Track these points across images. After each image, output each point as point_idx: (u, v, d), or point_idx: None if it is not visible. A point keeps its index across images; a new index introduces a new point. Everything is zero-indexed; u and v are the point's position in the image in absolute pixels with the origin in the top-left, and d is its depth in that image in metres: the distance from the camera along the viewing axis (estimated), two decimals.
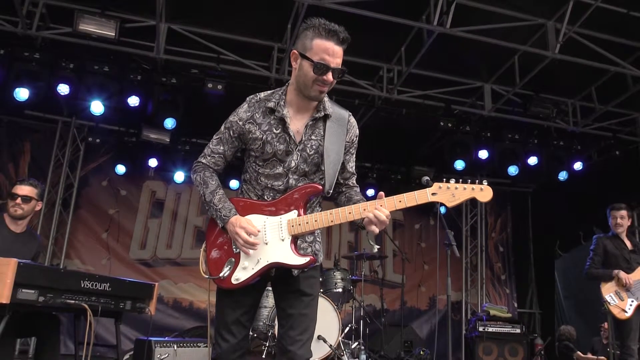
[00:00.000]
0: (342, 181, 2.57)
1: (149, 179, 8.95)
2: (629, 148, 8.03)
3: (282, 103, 2.42)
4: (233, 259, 2.37)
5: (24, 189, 3.77)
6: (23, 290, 2.94)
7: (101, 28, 6.02)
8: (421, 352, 7.34)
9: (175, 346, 4.93)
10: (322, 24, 2.32)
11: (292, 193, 2.38)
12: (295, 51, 2.37)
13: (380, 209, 2.30)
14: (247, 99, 2.53)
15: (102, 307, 3.37)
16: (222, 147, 2.56)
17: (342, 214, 2.34)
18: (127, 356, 5.34)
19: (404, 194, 2.41)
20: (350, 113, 2.58)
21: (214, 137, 2.59)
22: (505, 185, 10.37)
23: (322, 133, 2.42)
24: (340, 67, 2.33)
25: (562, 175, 8.09)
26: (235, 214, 2.37)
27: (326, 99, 2.50)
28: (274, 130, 2.40)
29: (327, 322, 5.96)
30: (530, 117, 7.54)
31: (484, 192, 2.45)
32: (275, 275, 2.42)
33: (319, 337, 5.88)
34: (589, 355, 7.96)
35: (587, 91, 7.48)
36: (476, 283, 9.82)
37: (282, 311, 2.46)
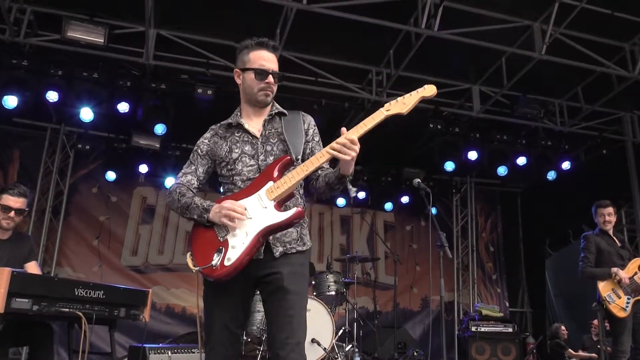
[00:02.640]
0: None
1: (139, 185, 8.91)
2: (616, 147, 8.13)
3: (238, 116, 2.69)
4: (222, 247, 2.33)
5: (17, 202, 3.70)
6: (17, 299, 2.94)
7: (90, 34, 5.99)
8: (415, 353, 7.37)
9: (169, 352, 4.91)
10: (253, 40, 2.64)
11: (262, 173, 2.48)
12: (237, 70, 2.68)
13: (341, 137, 2.39)
14: (210, 128, 2.76)
15: (96, 314, 3.35)
16: (193, 166, 2.66)
17: (313, 160, 2.40)
18: None
19: (363, 120, 2.54)
20: (304, 115, 2.75)
21: (185, 165, 2.71)
22: (495, 185, 10.46)
23: (280, 125, 2.62)
24: (275, 69, 2.59)
25: (551, 175, 8.17)
26: (216, 204, 2.43)
27: (277, 105, 2.72)
28: (236, 135, 2.62)
29: (321, 325, 5.98)
30: (518, 117, 7.62)
31: (428, 90, 2.69)
32: (261, 274, 2.41)
33: (313, 341, 5.89)
34: (580, 353, 8.06)
35: (573, 91, 7.56)
36: (468, 283, 9.88)
37: (268, 313, 2.45)
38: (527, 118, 7.63)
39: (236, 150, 2.57)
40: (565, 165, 8.13)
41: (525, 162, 7.99)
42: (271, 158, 2.52)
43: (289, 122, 2.63)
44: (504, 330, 7.96)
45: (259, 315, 6.47)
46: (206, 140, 2.68)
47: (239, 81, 2.68)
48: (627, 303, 4.99)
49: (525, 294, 10.11)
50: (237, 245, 2.30)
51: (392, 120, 8.13)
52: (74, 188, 8.53)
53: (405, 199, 9.57)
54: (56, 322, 5.84)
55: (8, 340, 3.50)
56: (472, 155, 7.85)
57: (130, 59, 6.59)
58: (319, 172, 2.57)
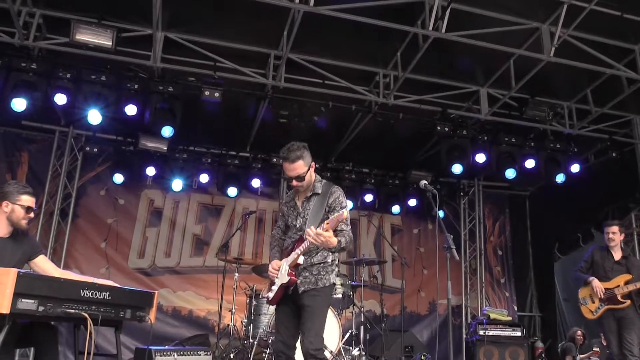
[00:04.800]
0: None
1: (147, 188, 8.94)
2: (625, 150, 8.05)
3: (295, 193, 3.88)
4: (272, 287, 3.73)
5: (34, 202, 3.75)
6: (23, 300, 2.93)
7: (98, 38, 6.02)
8: (422, 357, 7.32)
9: (175, 354, 4.92)
10: (282, 151, 3.68)
11: (297, 242, 3.68)
12: None
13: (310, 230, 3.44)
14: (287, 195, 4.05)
15: (102, 316, 3.35)
16: (278, 224, 4.02)
17: (298, 251, 3.62)
18: None
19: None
20: (334, 186, 3.81)
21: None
22: (503, 188, 10.40)
23: (311, 204, 3.74)
24: (295, 174, 3.63)
25: (560, 178, 8.08)
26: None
27: (319, 183, 3.82)
28: (292, 208, 3.87)
29: (328, 328, 5.92)
30: (526, 120, 7.57)
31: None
32: (293, 296, 3.65)
33: None
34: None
35: (582, 94, 7.50)
36: (476, 287, 9.81)
37: (300, 325, 3.62)
38: (535, 120, 7.58)
39: (290, 219, 3.84)
40: (574, 168, 8.06)
41: (533, 165, 7.92)
42: (302, 229, 3.63)
43: (318, 201, 3.71)
44: (512, 334, 7.90)
45: (265, 318, 6.46)
46: (283, 206, 3.97)
47: None
48: (598, 309, 5.66)
49: (533, 297, 10.04)
50: (274, 290, 3.70)
51: (399, 124, 8.14)
52: (81, 191, 8.57)
53: (412, 202, 9.53)
54: (62, 324, 5.86)
55: (13, 342, 3.49)
56: (480, 158, 7.80)
57: (138, 62, 6.62)
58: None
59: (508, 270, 10.19)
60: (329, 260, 3.72)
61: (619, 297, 5.49)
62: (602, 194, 8.67)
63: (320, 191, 3.72)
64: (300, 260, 3.58)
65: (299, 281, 3.61)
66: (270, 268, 3.73)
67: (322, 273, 3.68)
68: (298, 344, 3.66)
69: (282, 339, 3.64)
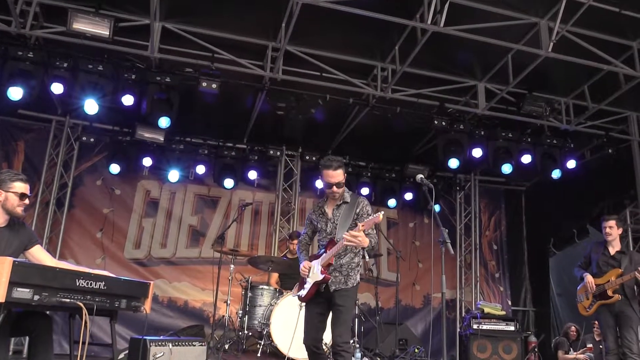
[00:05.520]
0: None
1: (143, 178, 8.93)
2: (621, 146, 8.08)
3: (324, 201, 4.29)
4: (304, 285, 4.15)
5: (28, 188, 3.72)
6: (18, 289, 2.92)
7: (95, 27, 6.00)
8: (416, 350, 7.37)
9: (170, 345, 4.91)
10: (325, 159, 4.15)
11: (327, 245, 4.10)
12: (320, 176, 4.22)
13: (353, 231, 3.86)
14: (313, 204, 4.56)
15: (97, 305, 3.34)
16: (306, 230, 4.43)
17: (333, 250, 4.00)
18: (122, 355, 5.32)
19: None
20: (360, 197, 4.24)
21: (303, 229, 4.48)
22: (499, 183, 10.43)
23: (341, 212, 4.15)
24: (337, 181, 4.08)
25: (556, 174, 8.10)
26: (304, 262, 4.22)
27: (347, 193, 4.20)
28: (321, 216, 4.25)
29: None
30: (523, 115, 7.58)
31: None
32: (324, 294, 4.04)
33: None
34: (563, 355, 8.07)
35: (580, 89, 7.51)
36: (470, 281, 9.85)
37: (332, 321, 4.04)
38: (532, 116, 7.59)
39: (320, 225, 4.23)
40: (571, 164, 8.08)
41: (530, 160, 7.95)
42: (333, 234, 4.09)
43: (347, 209, 4.12)
44: (506, 329, 7.94)
45: (260, 309, 6.49)
46: (311, 214, 4.35)
47: (322, 184, 4.22)
48: (591, 305, 5.69)
49: (528, 292, 10.09)
50: (306, 288, 4.11)
51: (397, 117, 8.11)
52: (78, 180, 8.56)
53: (408, 196, 9.54)
54: (57, 313, 5.87)
55: (8, 330, 3.49)
56: (477, 152, 7.82)
57: (135, 52, 6.60)
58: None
59: (503, 265, 10.23)
60: (356, 261, 4.13)
61: (608, 292, 5.52)
62: (597, 190, 8.70)
63: (348, 200, 4.17)
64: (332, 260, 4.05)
65: (330, 280, 4.02)
66: (302, 268, 4.13)
67: (350, 273, 4.08)
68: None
69: (313, 335, 4.05)
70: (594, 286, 5.62)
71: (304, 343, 4.07)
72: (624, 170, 7.97)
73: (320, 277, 4.00)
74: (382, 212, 3.90)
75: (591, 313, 5.74)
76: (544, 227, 9.81)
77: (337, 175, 4.07)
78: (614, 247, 5.74)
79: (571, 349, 8.16)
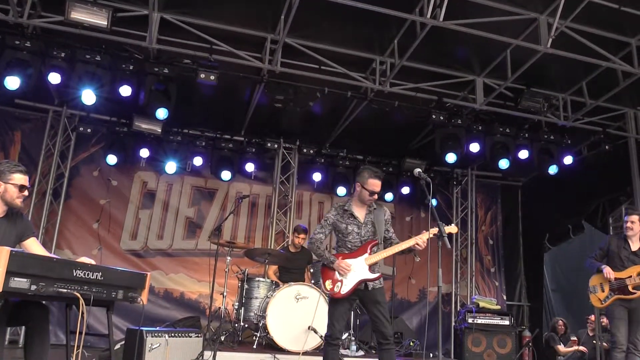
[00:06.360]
0: (387, 237, 4.57)
1: (140, 170, 8.92)
2: (618, 143, 8.10)
3: (350, 206, 4.54)
4: (339, 282, 4.35)
5: (27, 180, 3.71)
6: (15, 278, 2.92)
7: (93, 17, 5.97)
8: (411, 343, 7.41)
9: (166, 336, 4.95)
10: (373, 170, 4.49)
11: (363, 246, 4.43)
12: (359, 183, 4.48)
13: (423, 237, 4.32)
14: (334, 206, 4.67)
15: (94, 296, 3.35)
16: (323, 229, 4.59)
17: (402, 244, 4.41)
18: (118, 346, 5.35)
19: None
20: (383, 205, 4.73)
21: (318, 227, 4.61)
22: (496, 178, 10.46)
23: (372, 216, 4.52)
24: (379, 190, 4.48)
25: (552, 169, 8.12)
26: (336, 259, 4.38)
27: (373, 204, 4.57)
28: (349, 218, 4.50)
29: (319, 313, 6.00)
30: (521, 111, 7.58)
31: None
32: (363, 292, 4.37)
33: (310, 328, 5.93)
34: (562, 348, 8.14)
35: (577, 86, 7.51)
36: (466, 275, 9.89)
37: (371, 314, 4.35)
38: (530, 111, 7.60)
39: (349, 228, 4.47)
40: (567, 160, 8.10)
41: (527, 156, 7.96)
42: (366, 236, 4.46)
43: (377, 214, 4.51)
44: (501, 323, 7.99)
45: (256, 301, 6.51)
46: (331, 217, 4.53)
47: (358, 189, 4.48)
48: (607, 298, 5.52)
49: (523, 287, 10.14)
50: (347, 284, 4.34)
51: (395, 111, 8.09)
52: (74, 171, 8.55)
53: (405, 190, 9.57)
54: (54, 303, 5.87)
55: (5, 320, 3.50)
56: (474, 147, 7.83)
57: (133, 43, 6.56)
58: (388, 241, 4.58)
59: (498, 259, 10.27)
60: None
61: (629, 288, 5.35)
62: (593, 187, 8.74)
63: (375, 206, 4.57)
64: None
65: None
66: (343, 265, 4.33)
67: (378, 271, 4.45)
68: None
69: (339, 328, 4.37)
70: (614, 278, 5.43)
71: (329, 336, 4.33)
72: (621, 167, 8.00)
73: (372, 275, 4.36)
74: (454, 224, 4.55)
75: (606, 305, 5.54)
76: (540, 222, 9.85)
77: (380, 185, 4.48)
78: (635, 243, 5.58)
79: (561, 343, 8.24)
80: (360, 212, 4.52)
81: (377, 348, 4.46)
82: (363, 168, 4.60)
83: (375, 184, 4.44)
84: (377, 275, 4.37)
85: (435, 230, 3.98)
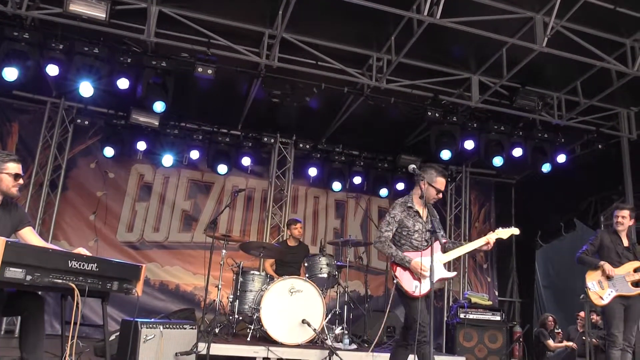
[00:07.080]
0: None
1: (137, 162, 8.96)
2: (611, 142, 8.16)
3: (412, 203, 4.47)
4: (417, 282, 4.23)
5: (21, 168, 3.73)
6: (10, 268, 2.94)
7: (91, 9, 5.99)
8: None
9: (161, 327, 4.98)
10: (439, 168, 4.45)
11: (434, 244, 4.08)
12: (425, 181, 4.36)
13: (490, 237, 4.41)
14: (397, 202, 4.53)
15: (89, 287, 3.37)
16: (390, 226, 4.42)
17: (473, 243, 4.46)
18: (113, 336, 5.38)
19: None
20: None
21: (384, 225, 4.44)
22: (490, 175, 10.52)
23: (429, 214, 4.45)
24: (443, 189, 4.49)
25: (546, 167, 8.19)
26: (411, 259, 4.25)
27: None
28: (414, 216, 4.44)
29: (312, 306, 6.07)
30: (516, 109, 7.64)
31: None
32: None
33: (303, 322, 5.98)
34: (552, 343, 8.23)
35: (572, 85, 7.57)
36: (459, 271, 9.96)
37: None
38: (525, 110, 7.65)
39: (417, 225, 4.41)
40: (561, 158, 8.17)
41: (521, 154, 8.02)
42: (427, 234, 4.31)
43: (432, 212, 4.54)
44: (492, 319, 8.06)
45: (251, 294, 6.56)
46: (399, 213, 4.41)
47: (423, 187, 4.35)
48: (608, 295, 5.37)
49: (514, 284, 10.22)
50: (425, 283, 4.15)
51: (391, 108, 8.12)
52: (72, 163, 8.58)
53: (400, 186, 9.61)
54: (49, 294, 5.91)
55: (0, 310, 3.53)
56: (469, 144, 7.89)
57: (131, 36, 6.59)
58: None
59: (491, 256, 10.34)
60: None
61: (629, 285, 5.31)
62: (586, 185, 8.80)
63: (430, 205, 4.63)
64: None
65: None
66: (421, 266, 4.19)
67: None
68: None
69: (428, 322, 4.22)
70: (614, 274, 5.35)
71: (420, 329, 4.13)
72: (613, 166, 8.06)
73: (450, 274, 4.63)
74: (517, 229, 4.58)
75: (607, 303, 5.36)
76: (532, 219, 9.91)
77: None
78: (625, 239, 5.56)
79: (551, 338, 8.33)
80: (422, 210, 4.47)
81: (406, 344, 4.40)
82: (429, 166, 4.50)
83: (442, 182, 4.44)
84: (454, 273, 4.71)
85: (502, 230, 4.43)
